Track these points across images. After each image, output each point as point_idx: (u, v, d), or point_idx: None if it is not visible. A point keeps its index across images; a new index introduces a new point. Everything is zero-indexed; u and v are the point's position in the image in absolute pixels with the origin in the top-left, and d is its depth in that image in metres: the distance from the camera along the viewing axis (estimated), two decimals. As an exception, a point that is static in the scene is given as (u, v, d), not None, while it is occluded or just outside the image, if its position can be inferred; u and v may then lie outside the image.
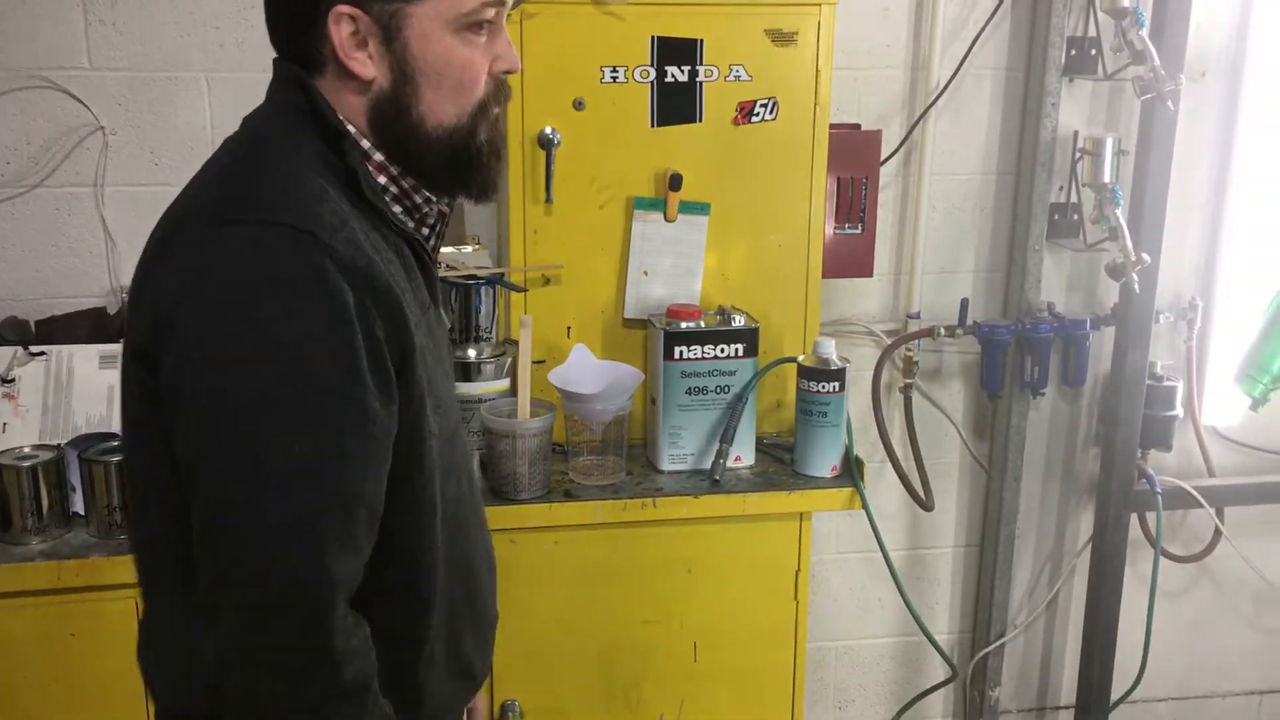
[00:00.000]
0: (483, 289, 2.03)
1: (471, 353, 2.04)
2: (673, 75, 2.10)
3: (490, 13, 1.15)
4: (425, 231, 1.25)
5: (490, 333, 2.07)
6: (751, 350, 2.09)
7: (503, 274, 2.09)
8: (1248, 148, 2.55)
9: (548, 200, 2.12)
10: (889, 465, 2.54)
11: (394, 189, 1.21)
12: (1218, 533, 2.66)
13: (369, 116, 1.17)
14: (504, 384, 2.04)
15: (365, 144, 1.18)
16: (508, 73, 1.21)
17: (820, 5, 2.10)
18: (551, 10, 2.04)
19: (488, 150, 1.21)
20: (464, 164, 1.20)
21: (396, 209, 1.21)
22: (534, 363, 2.02)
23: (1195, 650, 2.87)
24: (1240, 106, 2.54)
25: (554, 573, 2.03)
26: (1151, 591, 2.61)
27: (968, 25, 2.45)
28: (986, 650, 2.71)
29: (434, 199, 1.24)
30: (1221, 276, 2.58)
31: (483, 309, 2.05)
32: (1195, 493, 2.59)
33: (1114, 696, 2.67)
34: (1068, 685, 2.80)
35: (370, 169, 1.18)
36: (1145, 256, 2.32)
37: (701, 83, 2.11)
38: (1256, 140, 2.55)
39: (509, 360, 2.06)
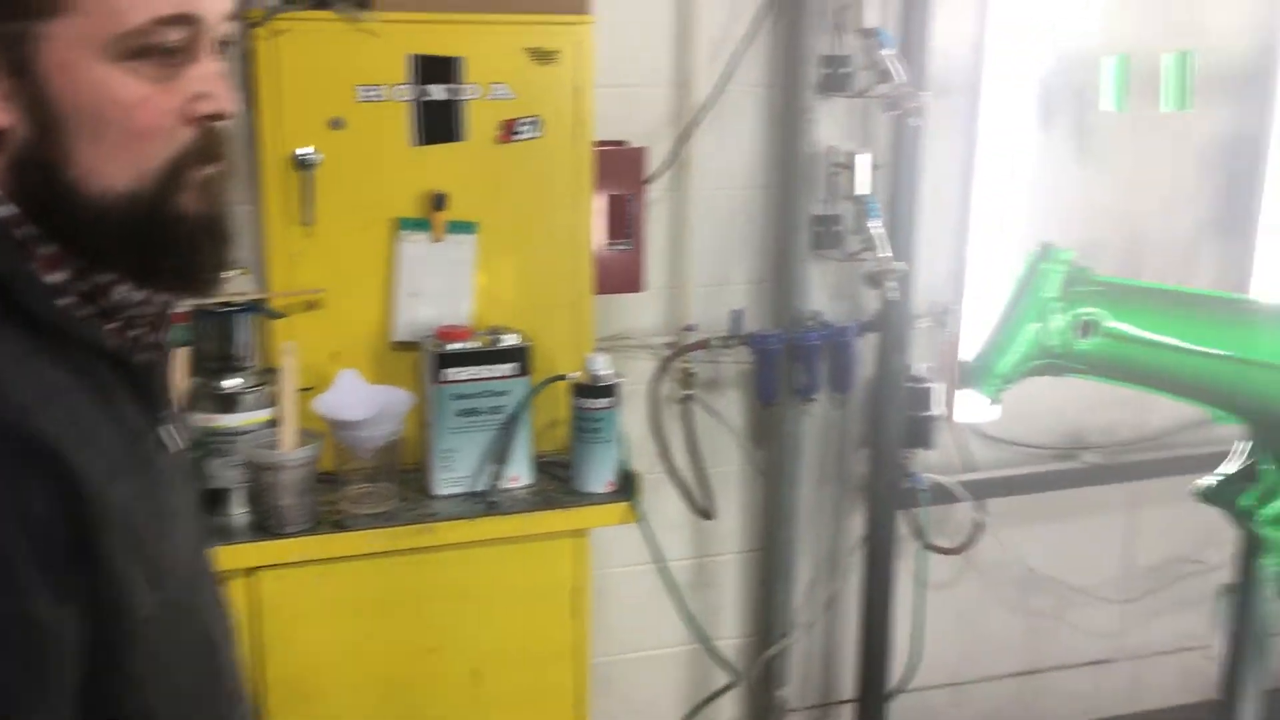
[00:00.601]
0: (238, 316, 1.95)
1: (230, 384, 1.95)
2: (434, 93, 2.07)
3: (173, 36, 0.85)
4: (134, 334, 0.94)
5: (250, 362, 1.99)
6: (524, 369, 2.08)
7: (261, 300, 2.01)
8: (987, 159, 2.70)
9: (309, 222, 2.06)
10: (671, 476, 2.58)
11: (82, 286, 0.89)
12: (980, 524, 2.81)
13: (10, 181, 0.86)
14: (266, 414, 1.96)
15: (24, 230, 0.87)
16: (215, 118, 0.89)
17: (579, 24, 2.11)
18: (302, 27, 1.98)
19: (193, 226, 0.89)
20: (152, 246, 0.88)
21: (86, 311, 0.90)
22: (301, 390, 1.96)
23: (966, 637, 3.02)
24: (981, 118, 2.69)
25: (326, 607, 1.97)
26: (920, 584, 2.74)
27: (729, 44, 2.52)
28: (771, 651, 2.78)
29: (141, 292, 0.93)
30: (970, 281, 2.73)
31: (240, 338, 1.97)
32: (957, 487, 2.73)
33: (892, 687, 2.79)
34: (851, 680, 2.90)
35: (36, 266, 0.87)
36: (901, 265, 2.44)
37: (463, 101, 2.09)
38: (994, 151, 2.71)
39: (272, 389, 1.98)
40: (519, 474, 2.11)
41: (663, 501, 2.63)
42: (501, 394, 2.07)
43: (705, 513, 2.58)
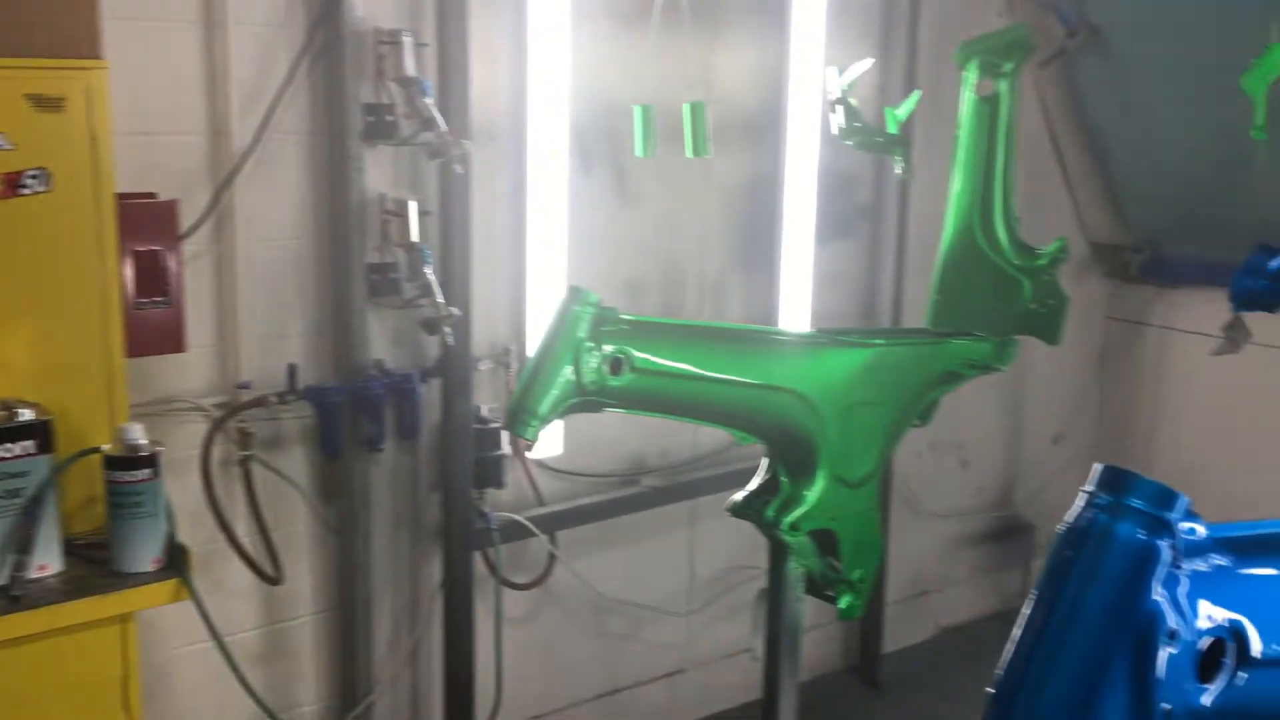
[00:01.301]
0: None
1: None
2: (-88, 144, 1.84)
3: None
4: None
5: None
6: (45, 446, 1.90)
7: None
8: (536, 203, 2.80)
9: None
10: (232, 544, 2.44)
11: None
12: (553, 557, 2.89)
13: None
14: None
15: None
16: None
17: (88, 69, 1.96)
18: None
19: None
20: None
21: None
22: None
23: (548, 668, 3.09)
24: (527, 164, 2.78)
25: None
26: (497, 621, 2.77)
27: (265, 91, 2.44)
28: (355, 711, 2.70)
29: None
30: (529, 321, 2.82)
31: None
32: (528, 523, 2.80)
33: (481, 727, 2.80)
34: (442, 725, 2.88)
35: None
36: (455, 310, 2.47)
37: (-49, 153, 1.87)
38: (542, 195, 2.80)
39: None
40: (48, 561, 1.92)
41: (228, 571, 2.49)
42: (19, 475, 1.88)
43: (270, 578, 2.47)
